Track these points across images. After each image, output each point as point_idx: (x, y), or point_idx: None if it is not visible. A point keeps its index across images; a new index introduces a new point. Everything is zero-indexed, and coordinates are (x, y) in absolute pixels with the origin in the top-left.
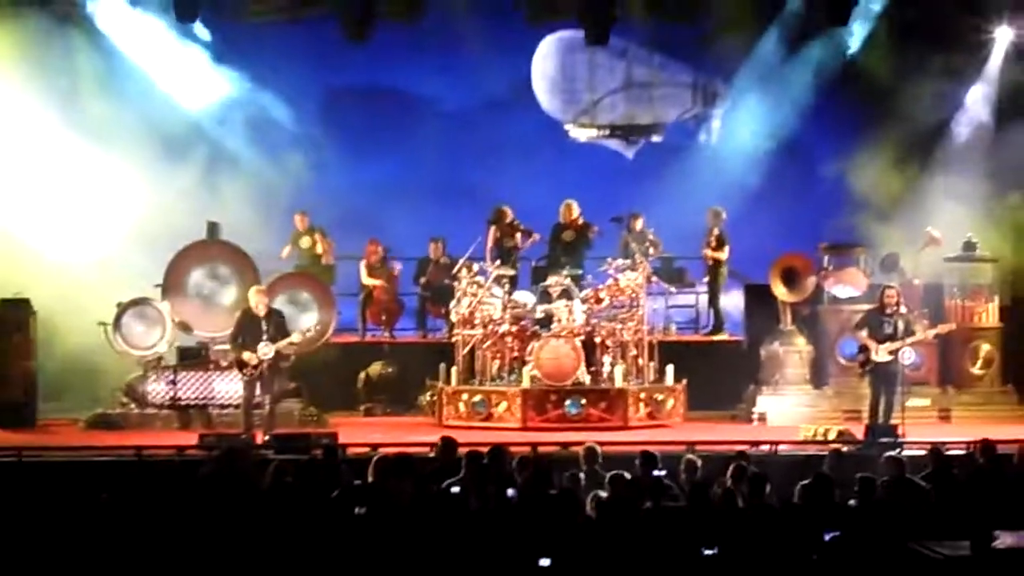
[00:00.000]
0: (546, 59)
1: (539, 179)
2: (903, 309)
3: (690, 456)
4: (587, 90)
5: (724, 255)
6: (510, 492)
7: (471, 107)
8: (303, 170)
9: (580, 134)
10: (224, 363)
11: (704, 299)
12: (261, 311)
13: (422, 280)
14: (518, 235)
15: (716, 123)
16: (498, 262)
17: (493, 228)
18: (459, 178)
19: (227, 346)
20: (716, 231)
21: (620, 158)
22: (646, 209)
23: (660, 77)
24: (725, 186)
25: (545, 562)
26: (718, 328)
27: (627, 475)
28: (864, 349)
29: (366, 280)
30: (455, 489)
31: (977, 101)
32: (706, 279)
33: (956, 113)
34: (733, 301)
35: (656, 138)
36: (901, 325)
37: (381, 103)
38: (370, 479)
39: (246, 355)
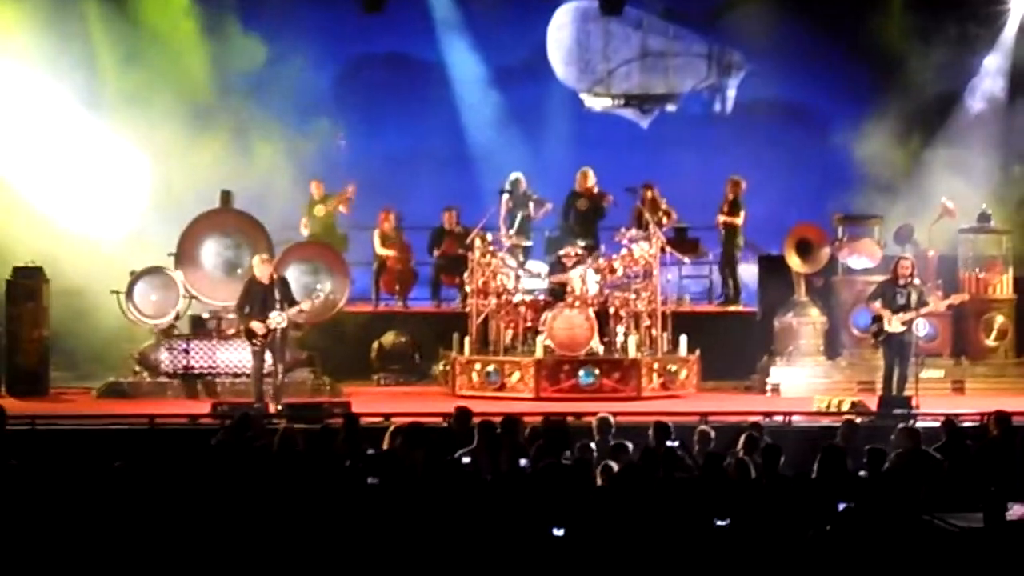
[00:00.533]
0: (561, 29)
1: (554, 148)
2: (917, 280)
3: (703, 427)
4: (602, 60)
5: (739, 220)
6: (523, 462)
7: (486, 76)
8: (323, 139)
9: (595, 103)
10: (231, 332)
11: (718, 269)
12: (266, 280)
13: (436, 251)
14: (531, 204)
15: (731, 93)
16: (512, 232)
17: (506, 197)
18: (474, 147)
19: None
20: (731, 197)
21: (635, 127)
22: (660, 179)
23: (675, 47)
24: (739, 156)
25: (559, 532)
26: (736, 296)
27: (630, 445)
28: (878, 320)
29: (380, 250)
30: (467, 459)
31: (990, 72)
32: (721, 248)
33: (969, 84)
34: (747, 272)
35: (671, 107)
36: (915, 296)
37: (397, 72)
38: (384, 448)
39: (254, 324)
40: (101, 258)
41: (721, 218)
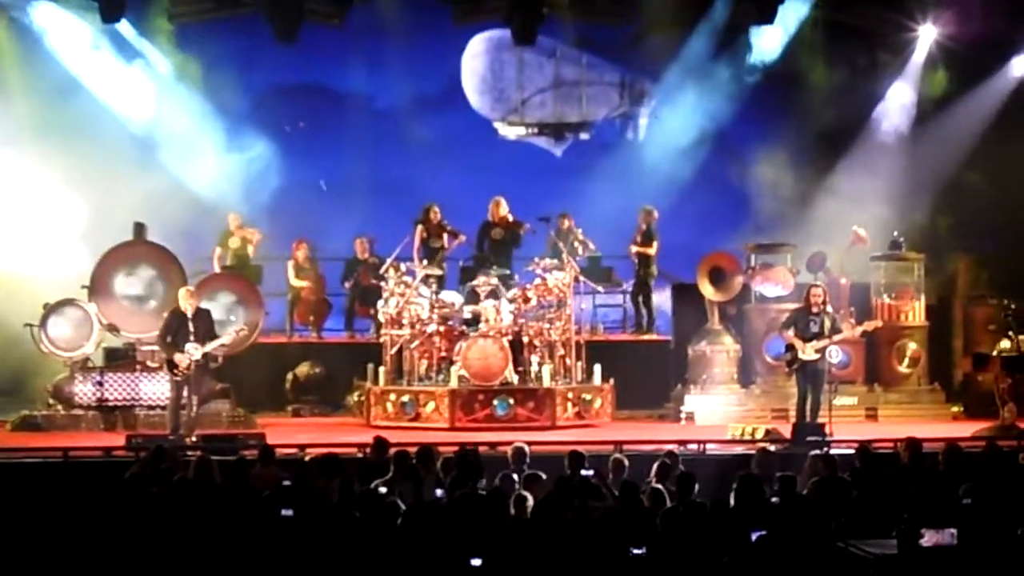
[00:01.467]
0: (475, 58)
1: (468, 177)
2: (829, 308)
3: (618, 455)
4: (516, 88)
5: (652, 250)
6: (439, 492)
7: (400, 106)
8: (236, 170)
9: (509, 132)
10: (152, 364)
11: (631, 298)
12: (189, 311)
13: (347, 284)
14: (445, 235)
15: (643, 121)
16: (424, 262)
17: (420, 227)
18: (388, 177)
19: (155, 347)
20: (644, 227)
21: (549, 156)
22: (574, 207)
23: (588, 76)
24: (653, 184)
25: (476, 562)
26: (650, 325)
27: (543, 475)
28: (791, 348)
29: (294, 281)
30: (383, 490)
31: (899, 99)
32: (634, 277)
33: (878, 111)
34: (661, 300)
35: (584, 136)
36: (827, 324)
37: (311, 102)
38: (298, 480)
39: (177, 356)
40: (14, 291)
41: (634, 248)
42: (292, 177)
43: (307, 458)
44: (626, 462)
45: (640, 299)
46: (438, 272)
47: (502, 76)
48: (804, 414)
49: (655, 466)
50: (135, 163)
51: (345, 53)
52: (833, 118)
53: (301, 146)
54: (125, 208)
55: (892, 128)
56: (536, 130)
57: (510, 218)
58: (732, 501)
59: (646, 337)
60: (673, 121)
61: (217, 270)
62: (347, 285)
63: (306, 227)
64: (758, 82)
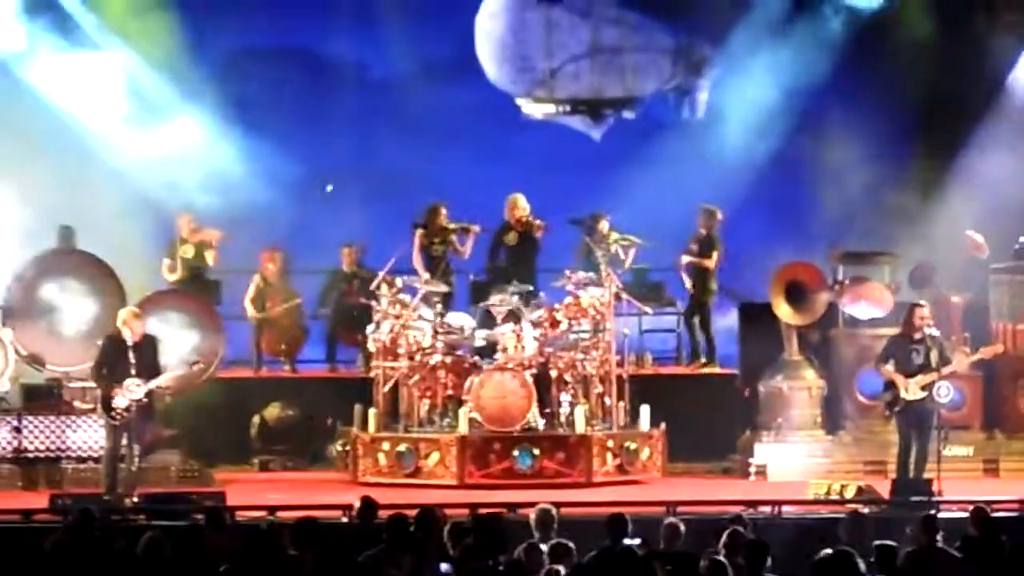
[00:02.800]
0: (493, 18)
1: (484, 167)
2: (935, 332)
3: (672, 520)
4: (544, 57)
5: (711, 262)
6: (444, 567)
7: (400, 76)
8: (188, 158)
9: (535, 110)
10: (83, 405)
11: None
12: (130, 338)
13: (323, 311)
14: (453, 237)
15: (703, 96)
16: (427, 276)
17: (420, 232)
18: (383, 167)
19: (87, 383)
20: (704, 233)
21: (585, 140)
22: (615, 205)
23: (633, 41)
24: (713, 176)
25: None
26: (710, 355)
27: (571, 545)
28: (891, 386)
29: (250, 310)
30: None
31: None
32: (689, 294)
33: (1008, 84)
34: (724, 324)
35: (629, 115)
36: (935, 353)
37: (288, 70)
38: (266, 550)
39: (115, 394)
40: None
41: (686, 258)
42: (263, 166)
43: (270, 524)
44: (682, 528)
45: (696, 322)
46: (443, 288)
47: (526, 41)
48: (907, 467)
49: (725, 535)
50: (60, 151)
51: (331, 10)
52: (944, 90)
53: (273, 129)
54: (49, 208)
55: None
56: (569, 108)
57: (528, 219)
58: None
59: (706, 371)
60: (740, 95)
61: (167, 280)
62: (323, 312)
63: (277, 232)
64: (848, 45)
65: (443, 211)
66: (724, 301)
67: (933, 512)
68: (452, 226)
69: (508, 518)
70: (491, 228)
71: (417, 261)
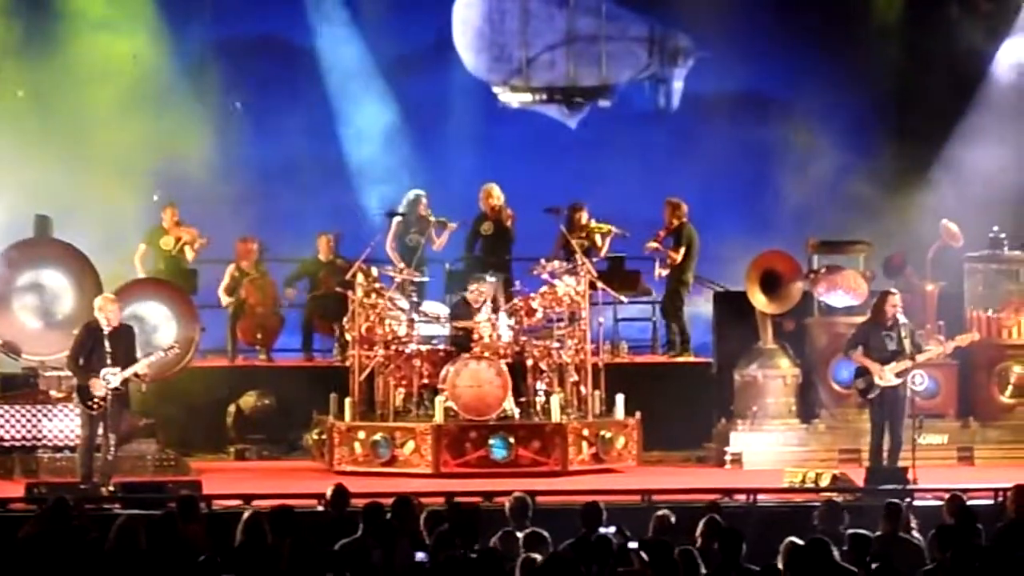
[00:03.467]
0: (469, 7)
1: (461, 156)
2: (904, 319)
3: (665, 511)
4: (520, 45)
5: (678, 256)
6: (419, 556)
7: (375, 65)
8: (162, 147)
9: (512, 99)
10: (58, 394)
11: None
12: (106, 327)
13: (290, 291)
14: (431, 229)
15: (677, 85)
16: (402, 265)
17: (398, 220)
18: (357, 156)
19: (62, 372)
20: (675, 225)
21: (560, 128)
22: (592, 193)
23: (609, 29)
24: (688, 164)
25: None
26: (684, 345)
27: (545, 534)
28: (864, 372)
29: (224, 297)
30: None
31: (1012, 57)
32: (664, 285)
33: (987, 73)
34: (698, 312)
35: (604, 103)
36: (907, 340)
37: (261, 60)
38: (240, 539)
39: (93, 382)
40: None
41: (653, 244)
42: (238, 154)
43: (250, 512)
44: (672, 519)
45: (669, 313)
46: (420, 278)
47: (503, 29)
48: (880, 455)
49: (702, 523)
50: (34, 137)
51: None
52: (917, 79)
53: (249, 117)
54: (25, 196)
55: (1002, 93)
56: (545, 96)
57: (501, 209)
58: (783, 565)
59: (681, 359)
60: (715, 84)
61: (140, 274)
62: (290, 292)
63: (250, 221)
64: (825, 33)
65: (423, 201)
66: (699, 289)
67: (898, 500)
68: (432, 219)
69: (483, 507)
70: (467, 222)
71: (391, 249)
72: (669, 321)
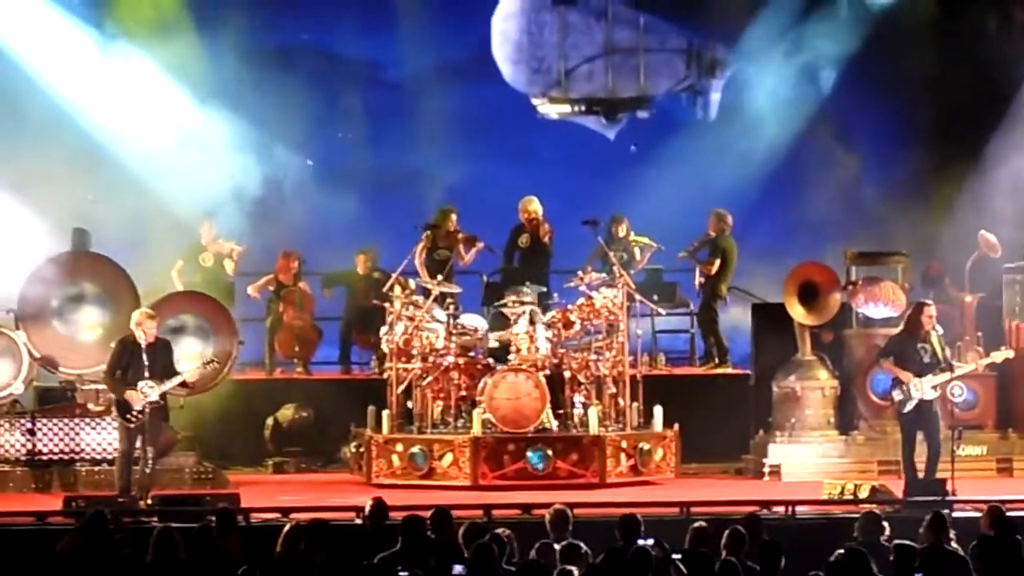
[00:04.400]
0: (508, 19)
1: (499, 167)
2: (939, 329)
3: (701, 524)
4: (559, 57)
5: (714, 268)
6: (457, 569)
7: (415, 77)
8: (206, 160)
9: (551, 110)
10: (96, 407)
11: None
12: (144, 340)
13: (327, 292)
14: (460, 245)
15: (715, 96)
16: (439, 277)
17: (427, 235)
18: (397, 168)
19: (100, 384)
20: (712, 237)
21: (599, 139)
22: (631, 203)
23: (647, 41)
24: (726, 176)
25: None
26: (721, 357)
27: (583, 546)
28: (900, 383)
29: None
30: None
31: None
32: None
33: (1022, 79)
34: (736, 322)
35: (643, 114)
36: (939, 352)
37: (299, 71)
38: (278, 552)
39: (131, 394)
40: None
41: (683, 254)
42: (276, 167)
43: (289, 525)
44: (707, 531)
45: (705, 325)
46: (456, 289)
47: (542, 42)
48: (913, 466)
49: (725, 535)
50: (73, 152)
51: (347, 10)
52: (957, 90)
53: (282, 128)
54: (63, 210)
55: None
56: (583, 107)
57: (540, 221)
58: None
59: (719, 371)
60: (753, 96)
61: (179, 287)
62: (327, 293)
63: (288, 236)
64: (864, 45)
65: (453, 216)
66: (736, 301)
67: (942, 512)
68: (461, 235)
69: (520, 518)
70: (496, 251)
71: (420, 264)
72: (705, 333)
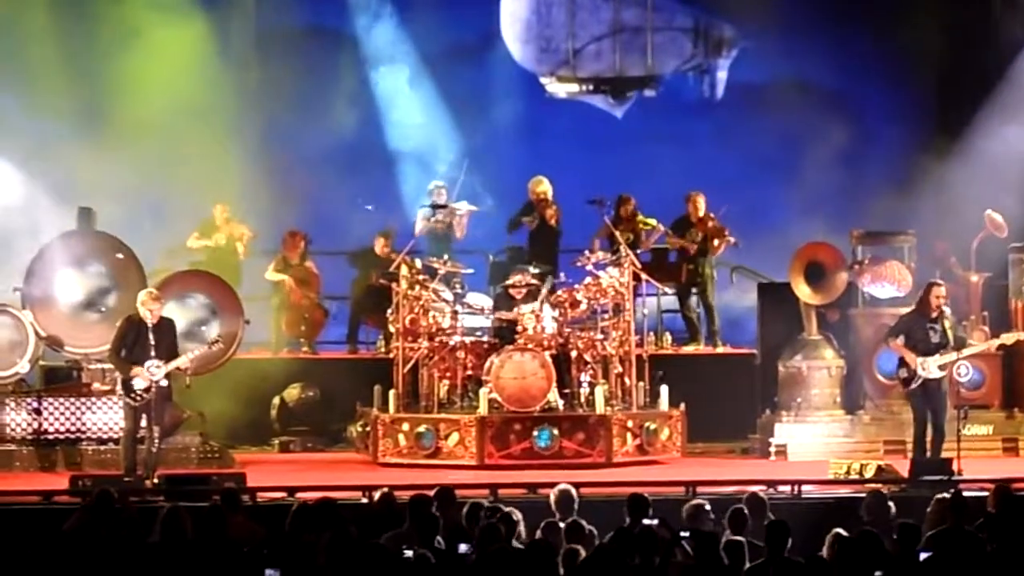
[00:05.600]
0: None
1: (508, 146)
2: (947, 310)
3: (698, 501)
4: (567, 36)
5: (686, 243)
6: (463, 547)
7: (424, 56)
8: (216, 140)
9: (559, 89)
10: (102, 387)
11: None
12: (149, 320)
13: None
14: (453, 221)
15: (722, 75)
16: (445, 257)
17: (425, 212)
18: (403, 147)
19: (106, 364)
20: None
21: (607, 118)
22: (636, 181)
23: (654, 20)
24: (733, 153)
25: None
26: (712, 336)
27: (587, 525)
28: (905, 363)
29: (271, 275)
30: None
31: None
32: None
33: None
34: (743, 302)
35: (650, 93)
36: (950, 332)
37: (305, 49)
38: (286, 531)
39: (134, 374)
40: None
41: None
42: (288, 147)
43: (296, 504)
44: (708, 508)
45: (690, 303)
46: (466, 270)
47: (550, 21)
48: (924, 446)
49: (727, 514)
50: (79, 129)
51: None
52: (963, 68)
53: (298, 109)
54: (70, 189)
55: None
56: (591, 87)
57: (549, 201)
58: (829, 556)
59: (725, 350)
60: (759, 74)
61: (190, 247)
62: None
63: (295, 213)
64: (871, 24)
65: (444, 190)
66: (743, 281)
67: (957, 492)
68: (451, 205)
69: (526, 498)
70: (486, 205)
71: (422, 235)
72: (685, 313)
